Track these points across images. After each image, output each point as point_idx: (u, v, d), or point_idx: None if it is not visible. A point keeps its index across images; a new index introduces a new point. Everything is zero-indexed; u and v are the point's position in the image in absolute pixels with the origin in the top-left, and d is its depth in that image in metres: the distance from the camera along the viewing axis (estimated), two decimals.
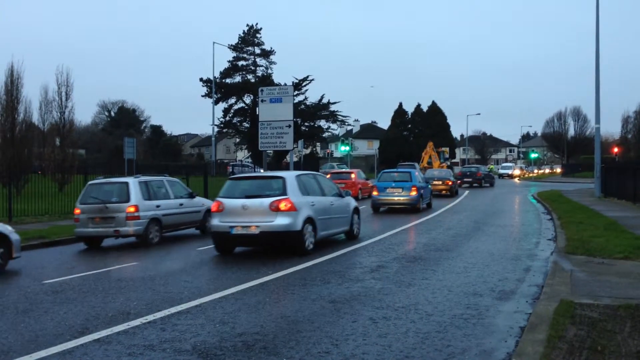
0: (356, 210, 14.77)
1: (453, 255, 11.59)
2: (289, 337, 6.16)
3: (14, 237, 11.08)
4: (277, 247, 12.21)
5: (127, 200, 13.99)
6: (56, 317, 7.22)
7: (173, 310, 7.40)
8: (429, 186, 26.13)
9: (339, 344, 5.86)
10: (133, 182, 14.37)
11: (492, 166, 66.44)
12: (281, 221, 11.60)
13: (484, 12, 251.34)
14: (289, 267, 10.35)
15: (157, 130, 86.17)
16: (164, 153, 75.46)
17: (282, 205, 11.66)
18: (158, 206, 14.73)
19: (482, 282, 8.92)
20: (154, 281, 9.48)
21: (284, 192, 11.89)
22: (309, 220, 12.09)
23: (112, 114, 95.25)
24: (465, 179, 44.02)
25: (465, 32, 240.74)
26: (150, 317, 7.04)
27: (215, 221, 12.22)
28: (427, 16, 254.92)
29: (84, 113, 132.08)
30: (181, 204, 15.77)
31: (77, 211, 14.41)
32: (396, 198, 22.63)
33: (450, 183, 32.89)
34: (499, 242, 13.54)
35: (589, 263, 9.86)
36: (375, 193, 23.29)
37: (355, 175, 31.00)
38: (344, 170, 36.30)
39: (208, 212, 16.16)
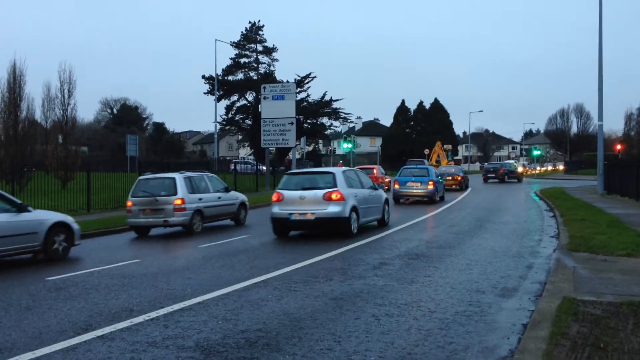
0: (386, 201, 16.89)
1: (456, 253, 11.58)
2: (291, 334, 6.16)
3: (75, 226, 12.58)
4: (328, 231, 14.14)
5: (175, 193, 15.55)
6: (59, 314, 7.24)
7: (176, 307, 7.42)
8: (442, 181, 28.94)
9: (342, 341, 5.87)
10: (179, 178, 15.95)
11: (515, 163, 67.61)
12: (333, 209, 13.75)
13: (486, 10, 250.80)
14: (299, 262, 10.38)
15: (159, 127, 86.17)
16: (166, 150, 75.51)
17: (334, 196, 13.81)
18: (200, 199, 16.30)
19: (485, 279, 8.92)
20: (156, 278, 9.50)
21: (334, 185, 14.00)
22: (354, 209, 14.19)
23: (115, 111, 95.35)
24: (489, 175, 47.54)
25: (468, 29, 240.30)
26: (153, 314, 7.06)
27: (275, 209, 14.22)
28: (430, 14, 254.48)
29: (86, 110, 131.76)
30: (219, 197, 17.31)
31: (129, 203, 15.90)
32: (415, 191, 25.37)
33: (459, 178, 36.31)
34: (502, 239, 13.53)
35: (591, 260, 9.84)
36: (396, 186, 25.81)
37: (377, 170, 35.13)
38: (367, 165, 39.18)
39: (242, 205, 18.42)
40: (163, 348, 5.76)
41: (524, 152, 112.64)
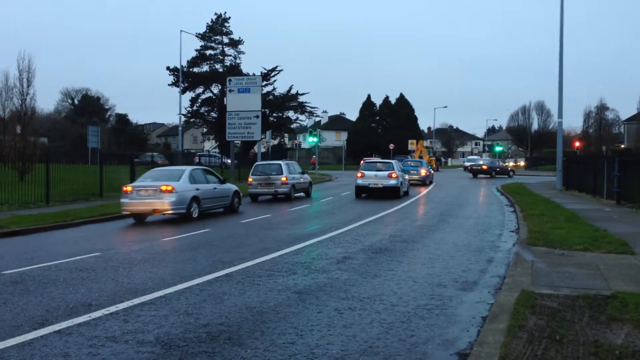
0: (409, 181, 28.58)
1: (418, 247, 11.71)
2: (253, 327, 6.14)
3: (241, 193, 20.25)
4: (388, 194, 24.70)
5: (281, 173, 24.01)
6: (15, 309, 7.04)
7: (136, 301, 7.30)
8: (431, 169, 41.20)
9: (304, 335, 5.87)
10: (283, 163, 25.01)
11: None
12: (392, 182, 24.74)
13: (451, 8, 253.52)
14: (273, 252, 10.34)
15: (122, 119, 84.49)
16: (129, 142, 74.10)
17: (393, 175, 24.81)
18: (293, 178, 24.68)
19: (447, 273, 9.04)
20: (117, 272, 9.32)
21: (393, 169, 25.13)
22: (401, 183, 25.21)
23: (76, 101, 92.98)
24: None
25: (433, 26, 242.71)
26: (112, 308, 6.94)
27: (359, 181, 25.03)
28: (397, 11, 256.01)
29: (46, 101, 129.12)
30: (301, 178, 25.76)
31: (250, 179, 24.22)
32: (412, 177, 34.58)
33: (486, 168, 50.31)
34: (464, 233, 13.74)
35: (549, 254, 10.07)
36: None
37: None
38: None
39: (310, 183, 26.99)
40: (122, 342, 5.67)
41: (486, 148, 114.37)
